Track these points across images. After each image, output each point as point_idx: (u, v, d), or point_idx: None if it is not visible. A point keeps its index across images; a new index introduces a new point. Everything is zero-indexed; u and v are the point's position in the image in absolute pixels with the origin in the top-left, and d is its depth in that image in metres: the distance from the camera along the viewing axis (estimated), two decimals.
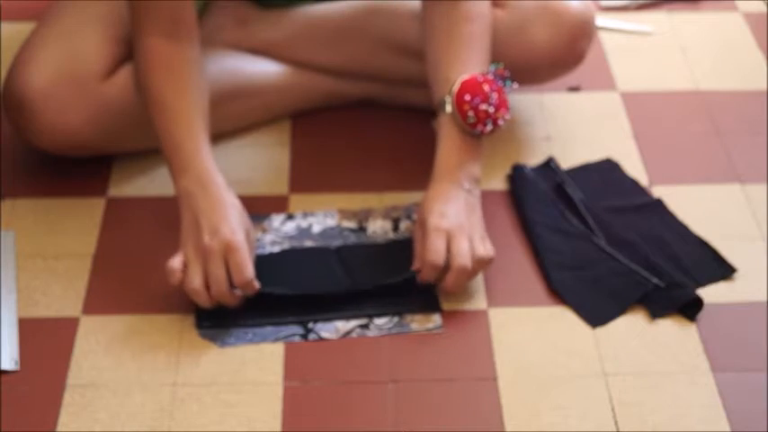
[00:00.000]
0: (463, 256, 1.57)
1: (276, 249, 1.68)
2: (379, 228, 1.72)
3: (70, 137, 1.72)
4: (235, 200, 1.60)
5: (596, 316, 1.60)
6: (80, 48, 1.71)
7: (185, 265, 1.55)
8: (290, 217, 1.74)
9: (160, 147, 1.63)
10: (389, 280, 1.60)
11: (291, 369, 1.52)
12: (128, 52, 1.75)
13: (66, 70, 1.70)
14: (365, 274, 1.63)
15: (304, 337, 1.57)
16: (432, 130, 1.91)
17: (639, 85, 2.02)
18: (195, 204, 1.57)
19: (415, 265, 1.59)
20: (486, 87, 1.61)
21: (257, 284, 1.55)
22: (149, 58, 1.64)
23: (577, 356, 1.54)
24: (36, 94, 1.69)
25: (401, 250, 1.64)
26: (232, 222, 1.56)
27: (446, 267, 1.58)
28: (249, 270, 1.54)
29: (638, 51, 2.11)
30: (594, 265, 1.65)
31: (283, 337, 1.57)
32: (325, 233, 1.71)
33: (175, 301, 1.60)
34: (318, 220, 1.74)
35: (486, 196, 1.77)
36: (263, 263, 1.61)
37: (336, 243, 1.69)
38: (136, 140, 1.80)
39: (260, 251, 1.66)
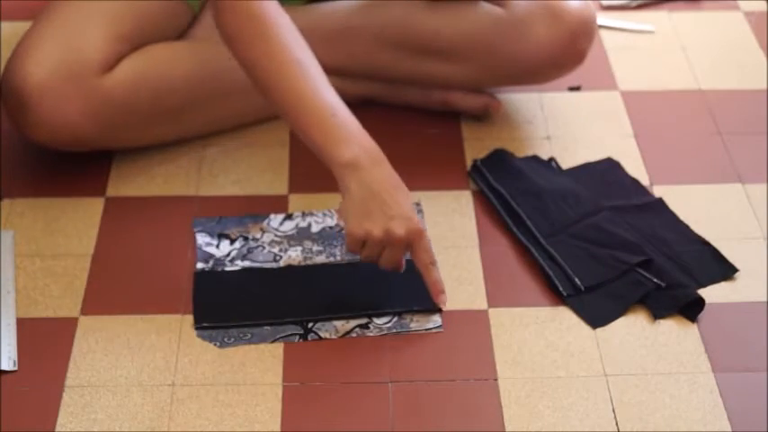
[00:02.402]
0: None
1: (275, 249, 1.68)
2: None
3: (68, 131, 1.71)
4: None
5: (597, 316, 1.59)
6: (79, 42, 1.71)
7: (363, 242, 1.54)
8: (289, 216, 1.74)
9: (296, 119, 1.55)
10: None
11: (291, 369, 1.52)
12: (128, 50, 1.75)
13: (65, 64, 1.70)
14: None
15: (303, 337, 1.57)
16: (431, 131, 1.91)
17: (640, 85, 2.02)
18: (371, 181, 1.53)
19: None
20: None
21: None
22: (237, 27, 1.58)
23: (578, 357, 1.54)
24: (34, 87, 1.69)
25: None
26: (412, 206, 1.55)
27: None
28: (434, 257, 1.58)
29: (638, 50, 2.10)
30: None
31: (282, 338, 1.56)
32: (324, 232, 1.71)
33: (174, 301, 1.60)
34: (317, 219, 1.73)
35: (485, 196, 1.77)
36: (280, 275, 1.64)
37: (337, 248, 1.69)
38: (135, 136, 1.80)
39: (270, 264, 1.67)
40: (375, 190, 1.53)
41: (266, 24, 1.57)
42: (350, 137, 1.54)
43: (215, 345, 1.55)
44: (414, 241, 1.54)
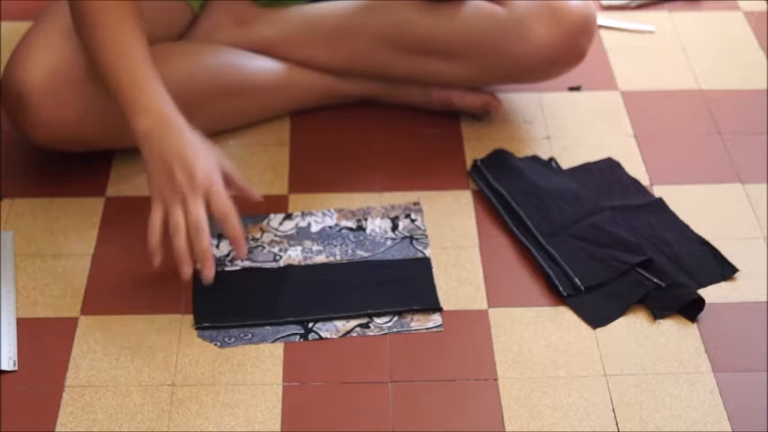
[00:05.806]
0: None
1: (275, 248, 1.68)
2: (377, 227, 1.72)
3: (67, 131, 1.72)
4: (202, 140, 1.60)
5: (597, 316, 1.59)
6: (78, 43, 1.71)
7: (166, 213, 1.55)
8: (289, 216, 1.74)
9: (110, 87, 1.61)
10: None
11: (291, 369, 1.52)
12: None
13: (63, 65, 1.70)
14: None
15: (304, 336, 1.57)
16: (431, 131, 1.91)
17: (640, 85, 2.02)
18: (162, 146, 1.56)
19: None
20: None
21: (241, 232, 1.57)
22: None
23: (578, 357, 1.54)
24: (33, 88, 1.69)
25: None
26: (207, 161, 1.57)
27: None
28: (230, 206, 1.56)
29: (638, 50, 2.10)
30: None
31: (283, 337, 1.56)
32: (324, 232, 1.71)
33: (175, 301, 1.60)
34: (317, 219, 1.73)
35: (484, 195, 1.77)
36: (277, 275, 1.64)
37: (336, 248, 1.69)
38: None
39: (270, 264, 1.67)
40: (161, 160, 1.56)
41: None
42: (148, 108, 1.58)
43: (215, 345, 1.55)
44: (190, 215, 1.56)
